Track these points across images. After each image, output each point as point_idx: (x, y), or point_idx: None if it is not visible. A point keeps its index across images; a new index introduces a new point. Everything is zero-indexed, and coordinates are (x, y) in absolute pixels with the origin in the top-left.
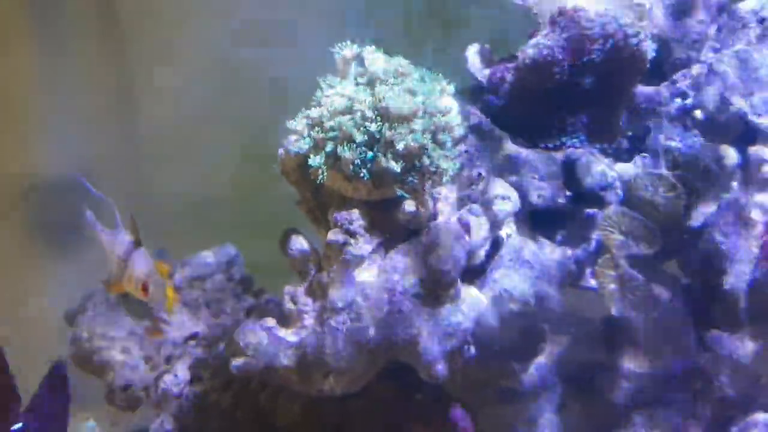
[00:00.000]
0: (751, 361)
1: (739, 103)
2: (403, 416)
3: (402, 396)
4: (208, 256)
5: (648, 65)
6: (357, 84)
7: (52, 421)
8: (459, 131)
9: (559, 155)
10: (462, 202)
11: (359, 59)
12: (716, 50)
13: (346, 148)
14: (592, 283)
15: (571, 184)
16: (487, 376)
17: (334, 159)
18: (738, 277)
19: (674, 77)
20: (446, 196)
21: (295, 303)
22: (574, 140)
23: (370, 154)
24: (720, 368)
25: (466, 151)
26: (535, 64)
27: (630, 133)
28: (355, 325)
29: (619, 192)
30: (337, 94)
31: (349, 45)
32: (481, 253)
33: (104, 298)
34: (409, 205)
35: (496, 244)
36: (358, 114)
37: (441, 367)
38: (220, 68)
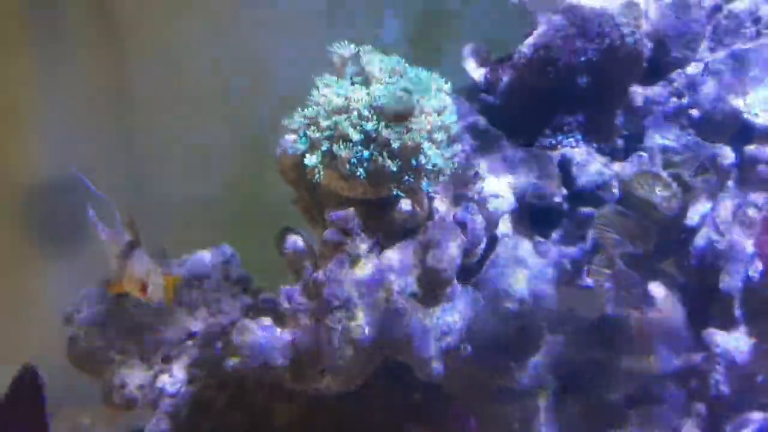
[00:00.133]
0: (746, 360)
1: (734, 101)
2: (403, 416)
3: (401, 395)
4: (205, 256)
5: (644, 64)
6: (353, 83)
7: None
8: (455, 130)
9: (555, 154)
10: (458, 200)
11: (356, 58)
12: (712, 49)
13: (342, 147)
14: (589, 281)
15: (567, 183)
16: (483, 375)
17: (330, 158)
18: (734, 275)
19: (670, 76)
20: (442, 194)
21: (291, 302)
22: (570, 139)
23: (366, 153)
24: (715, 367)
25: (462, 150)
26: (530, 63)
27: (626, 132)
28: (351, 323)
29: (615, 191)
30: (333, 93)
31: (346, 44)
32: (477, 252)
33: (102, 298)
34: (406, 204)
35: (492, 243)
36: (354, 113)
37: (436, 366)
38: (218, 68)
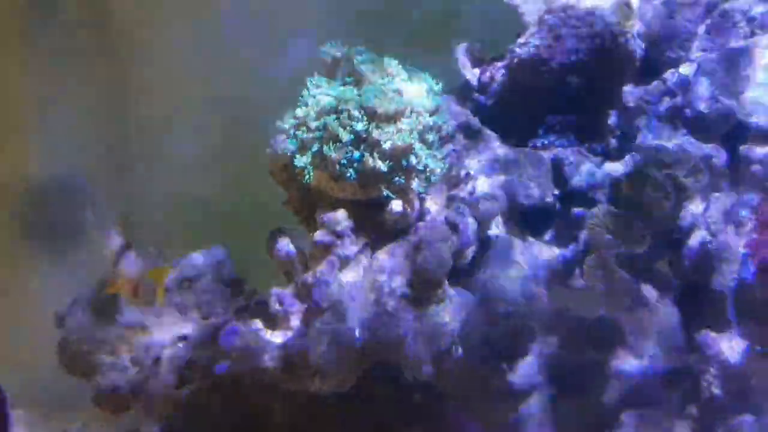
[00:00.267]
0: (739, 362)
1: (728, 101)
2: (400, 417)
3: (398, 397)
4: (198, 258)
5: (636, 64)
6: (344, 84)
7: None
8: (446, 130)
9: (547, 154)
10: (450, 201)
11: (347, 59)
12: (705, 49)
13: (332, 147)
14: (581, 282)
15: (559, 184)
16: (476, 376)
17: (320, 159)
18: (726, 276)
19: (663, 76)
20: (434, 195)
21: (281, 304)
22: (563, 139)
23: (356, 153)
24: (708, 368)
25: (454, 151)
26: (523, 63)
27: (619, 132)
28: (340, 326)
29: (608, 191)
30: (323, 94)
31: (338, 45)
32: (469, 253)
33: (94, 300)
34: (396, 205)
35: (483, 244)
36: (345, 114)
37: (427, 368)
38: (214, 69)
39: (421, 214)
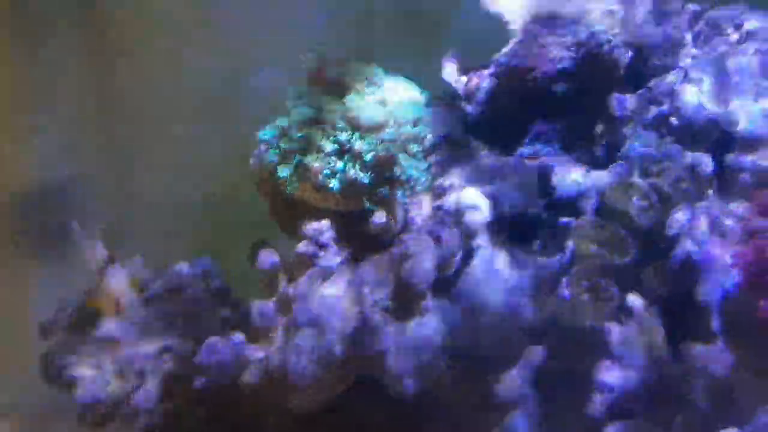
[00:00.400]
0: (724, 374)
1: (715, 109)
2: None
3: (383, 410)
4: (184, 267)
5: (622, 72)
6: (328, 93)
7: None
8: (430, 141)
9: (533, 163)
10: (434, 212)
11: (331, 68)
12: (693, 57)
13: (314, 158)
14: (566, 293)
15: (545, 193)
16: (460, 389)
17: (303, 169)
18: (712, 287)
19: (650, 84)
20: (418, 206)
21: (263, 317)
22: (549, 148)
23: (339, 164)
24: (694, 380)
25: (439, 160)
26: (508, 72)
27: (605, 141)
28: (321, 340)
29: (594, 200)
30: (306, 104)
31: (322, 53)
32: (453, 264)
33: (77, 311)
34: (379, 216)
35: (468, 255)
36: (328, 124)
37: (409, 383)
38: (207, 76)
39: (405, 225)
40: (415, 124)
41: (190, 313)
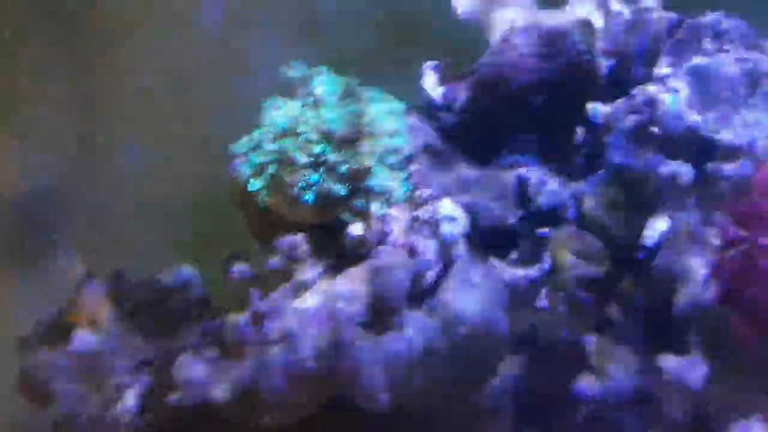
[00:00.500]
0: (700, 386)
1: (694, 118)
2: None
3: (361, 425)
4: (164, 278)
5: (602, 82)
6: (303, 105)
7: None
8: (407, 152)
9: (512, 174)
10: (411, 223)
11: (308, 80)
12: (673, 65)
13: (288, 170)
14: (544, 304)
15: (524, 203)
16: (435, 403)
17: (276, 182)
18: (688, 298)
19: (630, 93)
20: (395, 218)
21: (234, 332)
22: (528, 158)
23: (314, 176)
24: (670, 392)
25: (416, 172)
26: (486, 82)
27: (585, 151)
28: (292, 357)
29: (572, 211)
30: (280, 116)
31: (299, 65)
32: (430, 276)
33: (56, 325)
34: (355, 229)
35: (445, 267)
36: (302, 136)
37: (383, 397)
38: (188, 82)
39: (382, 238)
40: (392, 135)
41: (169, 326)
